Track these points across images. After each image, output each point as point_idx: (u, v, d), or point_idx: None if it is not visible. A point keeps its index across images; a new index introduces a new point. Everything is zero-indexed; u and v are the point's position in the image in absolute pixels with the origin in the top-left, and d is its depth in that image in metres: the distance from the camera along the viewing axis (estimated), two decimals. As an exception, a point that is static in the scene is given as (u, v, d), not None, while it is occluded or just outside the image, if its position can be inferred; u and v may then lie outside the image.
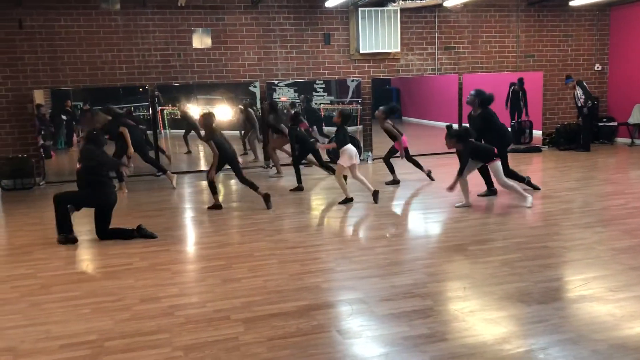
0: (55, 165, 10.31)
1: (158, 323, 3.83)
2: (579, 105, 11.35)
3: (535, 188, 7.61)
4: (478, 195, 7.39)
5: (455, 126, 8.79)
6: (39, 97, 9.86)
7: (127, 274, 4.85)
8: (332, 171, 8.60)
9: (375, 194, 7.26)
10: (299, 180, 8.36)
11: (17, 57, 9.79)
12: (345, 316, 3.86)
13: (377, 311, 3.90)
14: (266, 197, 7.14)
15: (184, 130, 10.74)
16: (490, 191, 7.48)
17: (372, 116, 11.50)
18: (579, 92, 11.28)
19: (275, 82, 10.87)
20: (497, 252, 5.13)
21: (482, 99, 7.53)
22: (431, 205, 7.23)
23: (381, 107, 8.48)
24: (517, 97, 11.97)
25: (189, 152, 10.92)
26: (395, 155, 8.62)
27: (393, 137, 8.47)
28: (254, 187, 7.22)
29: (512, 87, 11.83)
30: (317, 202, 7.75)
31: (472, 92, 7.70)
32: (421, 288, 4.28)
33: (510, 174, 7.31)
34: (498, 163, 6.79)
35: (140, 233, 5.95)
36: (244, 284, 4.51)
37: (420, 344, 3.38)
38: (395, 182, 8.52)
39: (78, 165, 5.97)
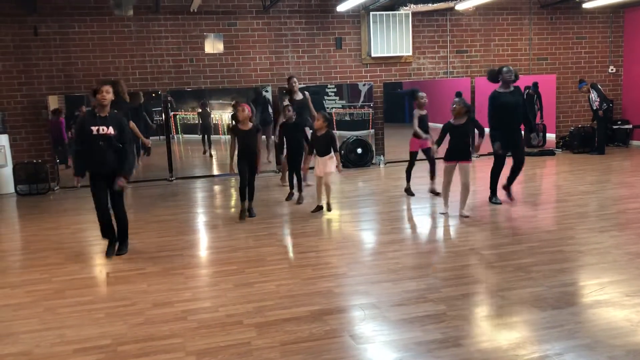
0: (70, 170, 10.40)
1: (171, 328, 3.84)
2: (594, 108, 11.25)
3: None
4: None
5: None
6: (54, 103, 9.96)
7: (141, 279, 4.88)
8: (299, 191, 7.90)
9: (317, 209, 7.09)
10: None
11: (32, 63, 9.91)
12: (358, 321, 3.84)
13: (389, 316, 3.88)
14: (249, 211, 7.02)
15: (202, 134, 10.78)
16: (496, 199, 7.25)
17: (384, 120, 11.52)
18: (593, 95, 11.19)
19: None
20: (511, 257, 5.08)
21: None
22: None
23: (420, 93, 7.95)
24: (531, 101, 11.88)
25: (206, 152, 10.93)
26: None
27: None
28: (252, 196, 7.05)
29: (527, 91, 11.75)
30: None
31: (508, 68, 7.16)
32: (434, 293, 4.26)
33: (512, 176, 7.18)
34: (470, 165, 6.62)
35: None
36: (257, 289, 4.52)
37: (434, 349, 3.36)
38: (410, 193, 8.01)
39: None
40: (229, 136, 10.59)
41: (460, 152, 6.58)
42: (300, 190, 7.84)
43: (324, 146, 6.99)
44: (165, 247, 5.89)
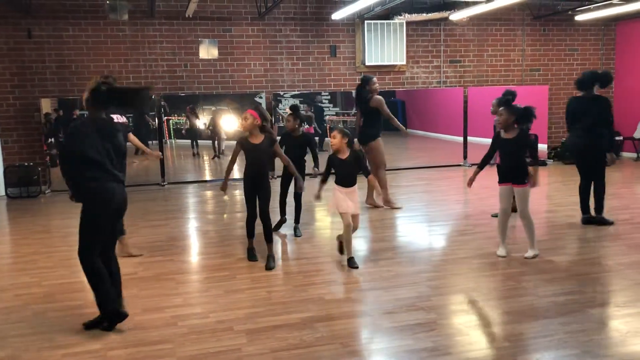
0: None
1: (161, 333, 3.82)
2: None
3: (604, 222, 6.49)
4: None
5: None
6: (46, 105, 9.92)
7: (132, 284, 4.85)
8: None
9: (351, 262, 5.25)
10: None
11: (26, 66, 9.87)
12: (350, 328, 3.84)
13: (381, 324, 3.88)
14: (267, 261, 5.31)
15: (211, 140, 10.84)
16: (603, 220, 6.52)
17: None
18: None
19: (281, 93, 10.92)
20: (501, 266, 5.10)
21: (601, 79, 6.37)
22: (435, 217, 7.22)
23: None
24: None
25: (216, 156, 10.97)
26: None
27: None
28: (270, 237, 5.42)
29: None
30: (321, 214, 7.74)
31: (586, 72, 6.55)
32: (425, 301, 4.27)
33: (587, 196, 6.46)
34: (528, 189, 5.28)
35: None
36: (248, 295, 4.51)
37: (424, 358, 3.36)
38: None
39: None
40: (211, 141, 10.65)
41: (512, 171, 5.27)
42: (297, 220, 6.49)
43: (351, 174, 5.28)
44: (157, 252, 5.87)
